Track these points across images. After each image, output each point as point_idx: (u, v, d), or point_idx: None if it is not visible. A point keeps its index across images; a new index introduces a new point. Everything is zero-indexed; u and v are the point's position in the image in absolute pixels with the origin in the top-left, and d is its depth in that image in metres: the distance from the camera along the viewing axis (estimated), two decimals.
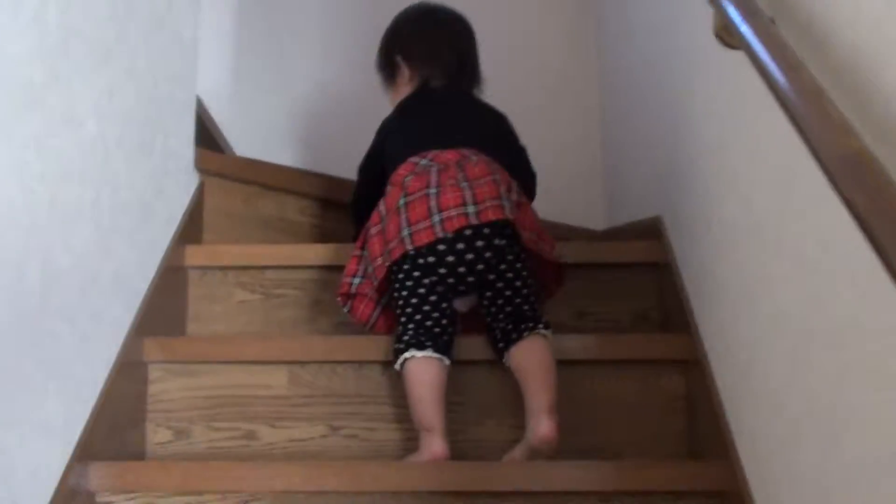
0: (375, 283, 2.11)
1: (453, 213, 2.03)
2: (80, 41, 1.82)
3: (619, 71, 3.29)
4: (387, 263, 2.06)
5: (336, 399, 2.15)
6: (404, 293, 2.08)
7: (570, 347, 2.14)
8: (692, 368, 2.11)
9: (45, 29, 1.67)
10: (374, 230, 2.12)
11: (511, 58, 3.57)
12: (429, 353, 2.02)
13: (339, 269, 2.42)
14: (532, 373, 2.02)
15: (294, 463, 1.94)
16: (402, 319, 2.08)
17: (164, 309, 2.26)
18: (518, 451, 2.02)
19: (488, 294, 2.11)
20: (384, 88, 2.47)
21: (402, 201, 2.07)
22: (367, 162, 2.38)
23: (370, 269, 2.12)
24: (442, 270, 2.06)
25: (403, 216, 2.06)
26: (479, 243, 2.06)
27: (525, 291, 2.10)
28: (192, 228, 2.51)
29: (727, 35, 1.49)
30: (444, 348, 2.04)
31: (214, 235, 2.64)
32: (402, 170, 2.14)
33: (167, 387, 2.16)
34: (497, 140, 2.29)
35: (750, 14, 1.37)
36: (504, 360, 2.07)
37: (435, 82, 2.36)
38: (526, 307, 2.09)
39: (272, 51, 3.63)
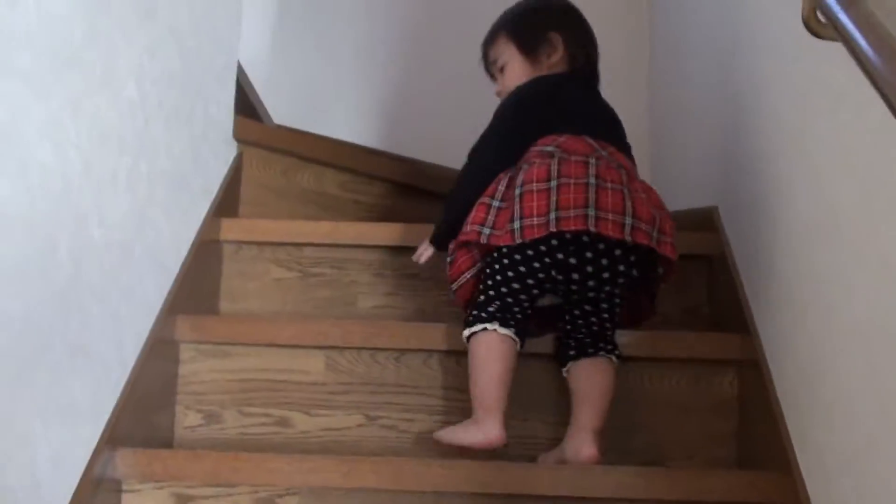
0: (517, 242, 1.88)
1: (643, 226, 1.88)
2: None
3: (672, 50, 3.17)
4: (552, 229, 1.85)
5: (374, 388, 2.06)
6: (510, 273, 1.94)
7: (621, 343, 2.03)
8: (747, 370, 2.01)
9: None
10: (537, 186, 1.88)
11: None
12: (511, 332, 1.92)
13: (381, 248, 2.35)
14: (593, 393, 1.93)
15: (332, 457, 1.84)
16: (491, 293, 1.95)
17: (197, 285, 2.17)
18: (552, 459, 1.93)
19: (587, 308, 1.99)
20: (520, 60, 2.18)
21: (592, 181, 1.88)
22: (508, 118, 2.10)
23: (516, 226, 1.87)
24: (572, 261, 1.92)
25: (592, 195, 1.86)
26: (629, 265, 1.95)
27: (616, 319, 2.01)
28: (228, 201, 2.42)
29: (817, 24, 1.38)
30: (523, 335, 1.95)
31: (251, 209, 2.55)
32: (580, 145, 1.96)
33: (198, 368, 2.07)
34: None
35: (850, 3, 1.26)
36: (566, 368, 1.98)
37: (579, 71, 2.18)
38: (609, 333, 1.99)
39: (313, 12, 3.51)
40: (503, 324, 1.91)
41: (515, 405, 2.02)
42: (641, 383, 2.06)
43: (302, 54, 3.42)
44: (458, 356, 2.04)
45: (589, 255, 1.91)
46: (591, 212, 1.85)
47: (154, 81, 1.88)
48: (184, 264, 2.09)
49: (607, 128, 2.07)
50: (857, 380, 1.45)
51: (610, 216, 1.85)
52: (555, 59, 2.17)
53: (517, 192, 1.90)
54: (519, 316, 1.95)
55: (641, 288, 2.05)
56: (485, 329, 1.91)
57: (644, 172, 3.33)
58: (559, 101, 2.08)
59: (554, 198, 1.87)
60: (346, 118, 3.45)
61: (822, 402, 1.60)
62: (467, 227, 1.95)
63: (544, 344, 2.03)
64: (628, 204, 1.87)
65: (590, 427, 1.89)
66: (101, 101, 1.63)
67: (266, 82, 3.18)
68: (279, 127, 3.14)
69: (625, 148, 2.05)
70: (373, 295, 2.35)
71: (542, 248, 1.91)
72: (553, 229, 1.85)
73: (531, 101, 2.08)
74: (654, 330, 2.18)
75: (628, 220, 1.86)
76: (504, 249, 1.93)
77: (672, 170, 3.06)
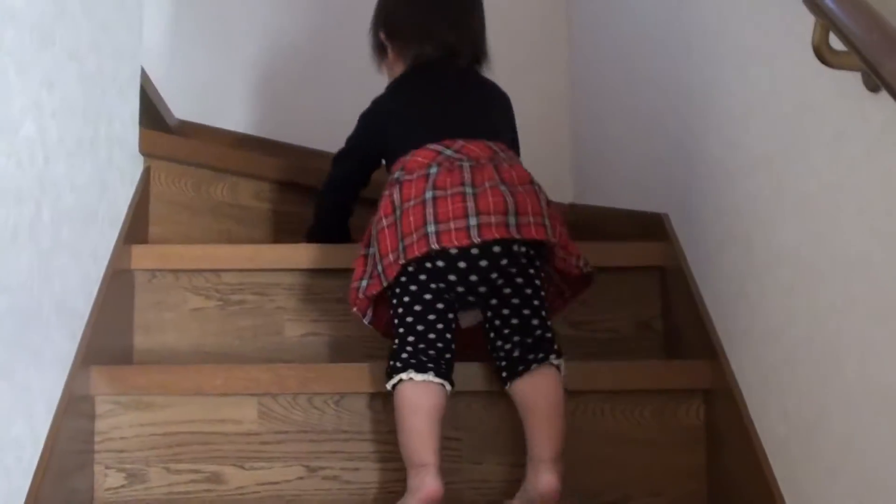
0: (385, 284, 1.80)
1: (492, 219, 1.77)
2: (14, 26, 1.50)
3: (600, 38, 3.01)
4: (401, 261, 1.78)
5: (313, 435, 1.89)
6: (406, 299, 1.81)
7: (577, 377, 1.88)
8: (716, 398, 1.88)
9: None
10: (385, 222, 1.82)
11: None
12: (430, 376, 1.74)
13: (306, 272, 2.17)
14: (538, 415, 1.78)
15: None
16: (401, 331, 1.80)
17: (109, 324, 1.96)
18: (517, 502, 1.78)
19: (504, 312, 1.84)
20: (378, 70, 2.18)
21: (429, 194, 1.79)
22: (355, 145, 2.13)
23: (379, 269, 1.81)
24: (452, 277, 1.81)
25: (430, 210, 1.77)
26: (504, 261, 1.82)
27: (543, 313, 1.84)
28: (137, 224, 2.20)
29: (829, 52, 1.22)
30: (446, 372, 1.77)
31: (162, 228, 2.34)
32: (422, 157, 1.86)
33: (117, 422, 1.87)
34: (507, 124, 2.06)
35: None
36: (507, 387, 1.82)
37: (430, 59, 2.06)
38: (539, 331, 1.82)
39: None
40: (419, 369, 1.75)
41: (468, 448, 1.88)
42: (602, 417, 1.92)
43: (202, 45, 3.21)
44: None
45: (483, 263, 1.81)
46: (431, 227, 1.76)
47: (53, 114, 1.66)
48: (95, 305, 1.89)
49: (459, 118, 1.96)
50: (883, 453, 1.30)
51: (455, 224, 1.76)
52: (392, 59, 2.12)
53: (374, 231, 1.85)
54: (440, 345, 1.78)
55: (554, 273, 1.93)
56: (400, 380, 1.75)
57: (565, 165, 3.24)
58: (404, 116, 2.00)
59: (399, 229, 1.80)
60: (252, 109, 3.26)
61: (824, 460, 1.45)
62: (353, 284, 1.86)
63: (492, 380, 1.88)
64: (470, 205, 1.78)
65: (546, 455, 1.74)
66: None
67: (166, 75, 2.98)
68: (188, 140, 2.93)
69: (487, 130, 1.94)
70: (300, 322, 2.17)
71: (430, 265, 1.81)
72: (401, 260, 1.77)
73: (367, 137, 2.09)
74: (612, 359, 2.04)
75: (472, 221, 1.77)
76: (403, 279, 1.81)
77: (603, 168, 2.91)
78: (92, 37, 1.89)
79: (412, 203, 1.80)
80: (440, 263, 1.80)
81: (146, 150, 2.28)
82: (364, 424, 1.89)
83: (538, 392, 1.79)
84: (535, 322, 1.83)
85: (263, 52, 3.32)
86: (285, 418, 1.88)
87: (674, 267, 2.14)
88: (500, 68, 3.31)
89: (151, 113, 2.78)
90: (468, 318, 1.91)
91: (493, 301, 1.84)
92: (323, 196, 2.24)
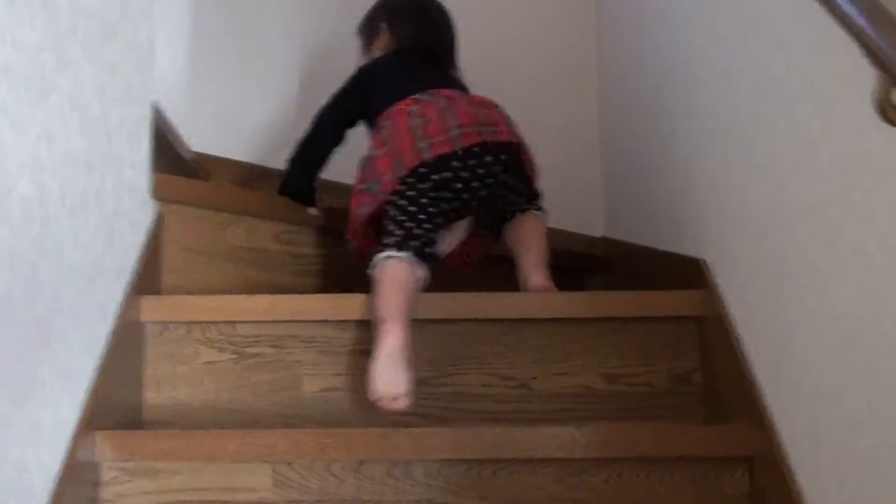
0: (382, 198, 2.13)
1: (470, 130, 2.13)
2: (8, 80, 1.39)
3: (632, 65, 2.90)
4: (399, 174, 2.11)
5: None
6: (404, 203, 2.12)
7: (613, 440, 1.78)
8: (763, 466, 1.76)
9: None
10: (378, 152, 2.18)
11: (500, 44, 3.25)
12: (406, 255, 2.03)
13: (326, 323, 2.07)
14: (523, 243, 2.21)
15: None
16: (390, 229, 2.10)
17: (118, 384, 1.86)
18: None
19: (497, 204, 2.24)
20: (361, 52, 2.57)
21: (416, 121, 2.15)
22: (341, 101, 2.43)
23: (377, 188, 2.15)
24: (458, 185, 2.15)
25: (420, 133, 2.13)
26: (488, 158, 2.16)
27: (524, 190, 2.27)
28: (149, 273, 2.10)
29: (892, 110, 1.11)
30: (426, 257, 2.06)
31: (176, 276, 2.24)
32: (403, 105, 2.21)
33: (123, 490, 1.77)
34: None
35: None
36: (501, 238, 2.29)
37: (410, 48, 2.46)
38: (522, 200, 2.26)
39: (230, 31, 3.21)
40: (399, 248, 2.04)
41: None
42: (639, 484, 1.80)
43: (218, 74, 3.13)
44: (427, 465, 1.77)
45: (472, 162, 2.15)
46: (423, 144, 2.11)
47: (54, 171, 1.55)
48: (101, 364, 1.78)
49: (431, 80, 2.31)
50: None
51: (441, 137, 2.12)
52: (382, 45, 2.51)
53: (367, 166, 2.19)
54: (420, 236, 2.07)
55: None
56: (383, 258, 2.02)
57: (597, 197, 3.15)
58: (389, 76, 2.37)
59: (394, 151, 2.14)
60: (270, 140, 3.16)
61: None
62: (352, 215, 2.23)
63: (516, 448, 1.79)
64: (450, 120, 2.14)
65: (532, 263, 2.17)
66: None
67: (179, 106, 2.89)
68: (199, 155, 2.86)
69: (455, 83, 2.38)
70: (320, 376, 2.06)
71: (424, 169, 2.12)
72: (399, 173, 2.10)
73: (352, 91, 2.42)
74: (649, 416, 1.93)
75: (455, 132, 2.12)
76: (410, 193, 2.12)
77: (637, 201, 2.80)
78: (97, 81, 1.79)
79: (401, 132, 2.15)
80: (437, 167, 2.12)
81: (160, 195, 2.18)
82: (385, 493, 1.78)
83: (520, 226, 2.24)
84: (521, 197, 2.26)
85: (282, 81, 3.24)
86: (301, 486, 1.77)
87: (713, 317, 2.01)
88: (529, 90, 3.26)
89: (164, 148, 2.68)
90: (457, 231, 2.31)
91: (491, 203, 2.23)
92: (302, 145, 2.47)
